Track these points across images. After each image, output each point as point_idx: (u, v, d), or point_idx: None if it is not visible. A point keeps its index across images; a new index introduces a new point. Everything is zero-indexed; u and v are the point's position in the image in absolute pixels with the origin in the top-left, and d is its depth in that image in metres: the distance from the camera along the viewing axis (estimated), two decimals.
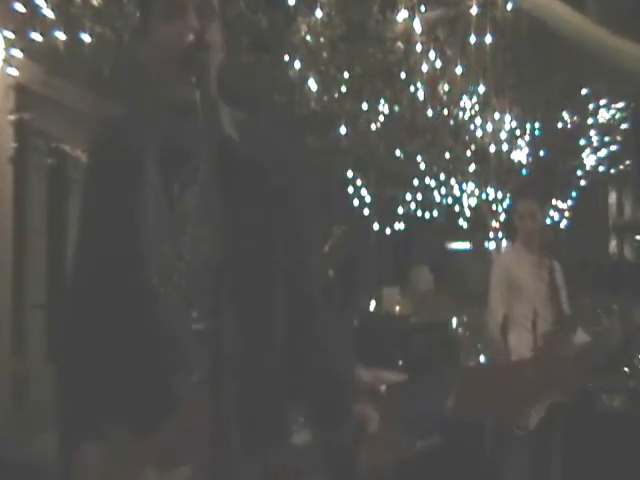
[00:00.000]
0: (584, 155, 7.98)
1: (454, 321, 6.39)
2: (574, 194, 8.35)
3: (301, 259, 1.55)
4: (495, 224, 7.64)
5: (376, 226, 7.89)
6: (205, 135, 1.34)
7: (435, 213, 8.10)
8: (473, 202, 7.78)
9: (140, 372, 1.44)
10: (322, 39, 4.79)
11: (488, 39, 5.02)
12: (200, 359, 1.37)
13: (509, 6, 5.09)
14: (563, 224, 8.38)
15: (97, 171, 1.52)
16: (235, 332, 1.28)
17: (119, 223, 1.45)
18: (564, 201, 8.33)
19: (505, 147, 6.92)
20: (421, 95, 5.66)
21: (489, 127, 6.51)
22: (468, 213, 7.97)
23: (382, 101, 5.84)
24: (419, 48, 5.15)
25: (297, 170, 1.60)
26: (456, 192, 7.62)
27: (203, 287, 1.37)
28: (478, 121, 6.51)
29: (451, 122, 6.45)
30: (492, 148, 6.68)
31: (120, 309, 1.45)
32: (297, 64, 4.81)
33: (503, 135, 6.76)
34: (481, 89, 5.75)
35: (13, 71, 3.79)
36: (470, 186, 7.53)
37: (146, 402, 1.42)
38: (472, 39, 5.05)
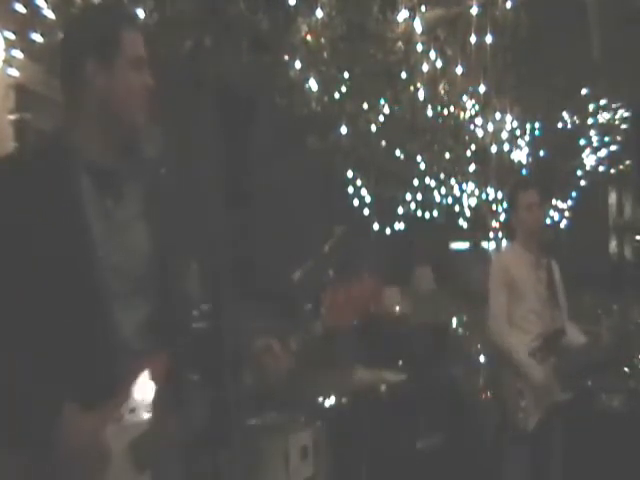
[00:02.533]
0: (584, 155, 7.98)
1: (454, 321, 6.39)
2: (574, 194, 8.35)
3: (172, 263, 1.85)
4: (495, 224, 7.64)
5: (376, 226, 7.88)
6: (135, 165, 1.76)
7: (435, 213, 8.10)
8: (473, 202, 7.77)
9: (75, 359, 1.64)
10: (322, 39, 4.79)
11: (488, 39, 5.03)
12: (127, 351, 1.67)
13: (509, 5, 5.10)
14: (563, 224, 8.38)
15: (36, 183, 1.70)
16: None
17: (59, 235, 1.66)
18: (564, 201, 8.32)
19: (505, 147, 6.92)
20: (421, 95, 5.66)
21: (489, 127, 6.51)
22: (468, 213, 7.96)
23: (382, 101, 5.84)
24: (419, 48, 5.16)
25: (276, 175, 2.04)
26: (456, 192, 7.61)
27: (135, 288, 1.73)
28: (478, 121, 6.51)
29: (451, 122, 6.45)
30: (492, 148, 6.68)
31: (62, 309, 1.65)
32: (297, 64, 4.81)
33: (503, 135, 6.76)
34: (481, 89, 5.75)
35: (13, 72, 3.79)
36: (470, 186, 7.53)
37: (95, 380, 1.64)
38: (472, 39, 5.06)
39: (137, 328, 1.72)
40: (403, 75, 5.51)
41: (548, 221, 7.78)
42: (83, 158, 1.76)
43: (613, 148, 7.96)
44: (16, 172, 1.72)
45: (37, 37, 3.67)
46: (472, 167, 7.18)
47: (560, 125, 7.53)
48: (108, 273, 1.69)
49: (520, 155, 7.33)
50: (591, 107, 7.52)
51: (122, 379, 1.65)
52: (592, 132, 7.79)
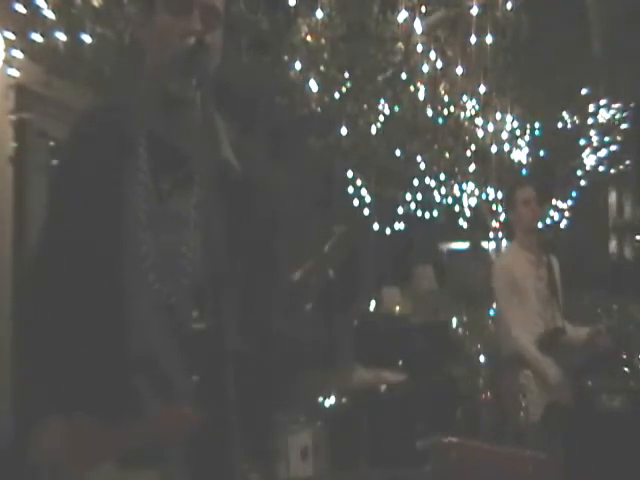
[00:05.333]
0: (584, 155, 7.98)
1: (454, 321, 6.40)
2: (574, 194, 8.35)
3: (271, 281, 1.58)
4: (495, 224, 7.64)
5: (376, 226, 7.89)
6: (201, 139, 1.35)
7: (435, 213, 8.10)
8: (473, 202, 7.78)
9: (113, 365, 1.43)
10: (322, 40, 4.79)
11: (489, 39, 5.02)
12: (169, 354, 1.41)
13: (509, 6, 5.10)
14: (563, 224, 8.38)
15: (83, 162, 1.50)
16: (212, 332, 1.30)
17: (103, 215, 1.44)
18: (564, 201, 8.33)
19: (505, 147, 6.92)
20: (421, 95, 5.66)
21: (489, 127, 6.51)
22: (468, 213, 7.97)
23: (382, 101, 5.84)
24: (420, 48, 5.15)
25: (282, 196, 1.64)
26: (456, 192, 7.62)
27: (179, 286, 1.43)
28: (478, 121, 6.51)
29: (451, 122, 6.45)
30: (492, 148, 6.68)
31: (97, 300, 1.44)
32: (297, 65, 4.80)
33: (503, 135, 6.76)
34: (481, 89, 5.75)
35: (14, 72, 3.79)
36: (470, 186, 7.53)
37: (118, 397, 1.41)
38: (473, 39, 5.06)
39: (166, 349, 1.42)
40: (403, 75, 5.50)
41: (548, 221, 7.78)
42: (142, 127, 1.48)
43: (613, 148, 7.96)
44: (71, 138, 1.58)
45: (37, 37, 3.66)
46: (472, 167, 7.18)
47: (560, 125, 7.54)
48: (142, 275, 1.42)
49: (520, 155, 7.33)
50: (591, 107, 7.52)
51: (144, 408, 1.40)
52: (592, 132, 7.80)
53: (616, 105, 7.61)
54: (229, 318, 1.27)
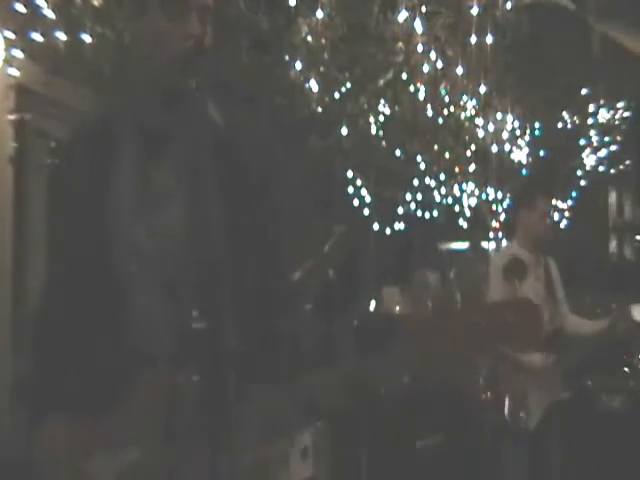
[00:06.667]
0: (584, 155, 8.00)
1: None
2: (574, 194, 8.36)
3: (269, 257, 1.57)
4: (495, 224, 7.65)
5: (376, 226, 7.89)
6: (190, 125, 1.36)
7: (435, 213, 8.11)
8: (473, 202, 7.78)
9: (94, 353, 1.44)
10: (323, 40, 4.79)
11: (489, 39, 5.02)
12: (162, 341, 1.42)
13: (509, 6, 5.10)
14: (563, 224, 8.39)
15: (74, 152, 1.56)
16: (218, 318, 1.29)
17: (94, 204, 1.47)
18: (564, 201, 8.34)
19: (505, 147, 6.93)
20: (421, 95, 5.66)
21: (489, 127, 6.51)
22: (468, 213, 7.98)
23: (382, 101, 5.84)
24: (420, 48, 5.15)
25: (278, 167, 1.64)
26: (456, 192, 7.62)
27: (174, 268, 1.44)
28: (478, 121, 6.51)
29: (451, 122, 6.45)
30: (493, 148, 6.69)
31: (91, 290, 1.46)
32: (298, 65, 4.81)
33: (503, 135, 6.77)
34: (481, 89, 5.75)
35: (14, 71, 3.79)
36: (470, 186, 7.54)
37: (99, 385, 1.43)
38: (473, 39, 5.05)
39: (162, 334, 1.42)
40: (404, 75, 5.50)
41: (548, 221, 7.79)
42: (132, 119, 1.51)
43: (613, 148, 7.97)
44: (71, 140, 1.63)
45: (37, 37, 3.67)
46: (472, 167, 7.18)
47: (560, 125, 7.54)
48: (133, 258, 1.44)
49: (520, 155, 7.34)
50: (591, 107, 7.53)
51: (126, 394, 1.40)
52: (592, 132, 7.81)
53: (616, 105, 7.62)
54: (228, 305, 1.27)
